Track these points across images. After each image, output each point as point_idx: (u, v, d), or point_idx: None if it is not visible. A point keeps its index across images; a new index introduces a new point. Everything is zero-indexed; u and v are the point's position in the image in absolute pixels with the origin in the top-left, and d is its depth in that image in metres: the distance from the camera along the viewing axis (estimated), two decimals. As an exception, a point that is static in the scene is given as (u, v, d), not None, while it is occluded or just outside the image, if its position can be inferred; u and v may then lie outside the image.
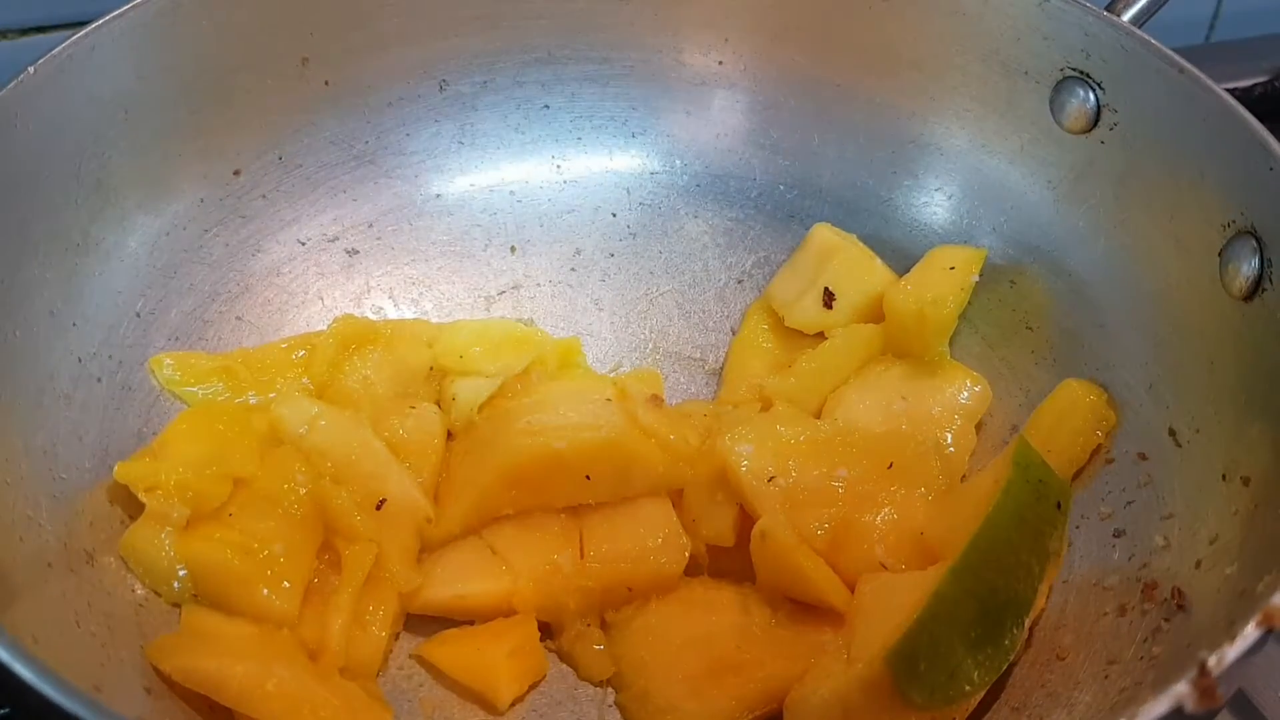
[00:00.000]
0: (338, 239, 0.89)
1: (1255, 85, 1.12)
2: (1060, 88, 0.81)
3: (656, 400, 0.81)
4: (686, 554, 0.75)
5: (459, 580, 0.75)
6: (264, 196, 0.86)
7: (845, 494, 0.73)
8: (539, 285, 0.92)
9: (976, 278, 0.84)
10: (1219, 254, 0.72)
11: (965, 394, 0.82)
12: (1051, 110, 0.82)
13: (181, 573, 0.70)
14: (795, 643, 0.72)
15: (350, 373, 0.81)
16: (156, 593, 0.70)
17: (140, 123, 0.78)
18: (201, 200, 0.83)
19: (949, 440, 0.81)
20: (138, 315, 0.79)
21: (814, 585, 0.72)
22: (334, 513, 0.73)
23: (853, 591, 0.72)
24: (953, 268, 0.84)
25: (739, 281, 0.92)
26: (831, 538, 0.72)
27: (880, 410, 0.81)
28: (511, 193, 0.93)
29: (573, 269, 0.92)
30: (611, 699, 0.74)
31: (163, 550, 0.70)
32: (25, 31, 0.98)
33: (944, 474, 0.75)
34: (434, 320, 0.88)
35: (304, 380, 0.80)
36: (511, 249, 0.92)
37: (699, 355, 0.90)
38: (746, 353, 0.88)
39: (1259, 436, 0.67)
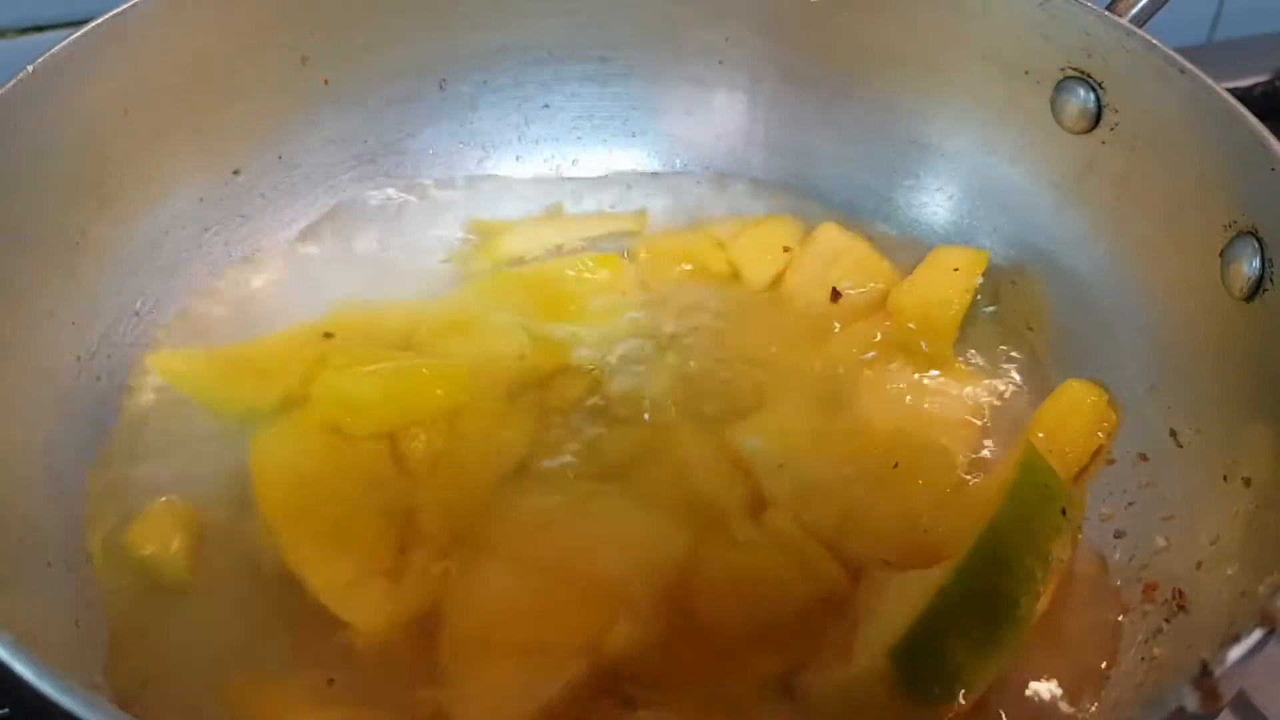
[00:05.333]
0: (338, 237, 0.88)
1: (1256, 85, 1.11)
2: (1061, 88, 0.81)
3: (656, 400, 0.81)
4: (687, 554, 0.75)
5: (459, 580, 0.75)
6: (263, 195, 0.86)
7: (850, 491, 0.73)
8: (539, 284, 0.91)
9: (981, 279, 0.84)
10: (1220, 254, 0.71)
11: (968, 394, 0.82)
12: (1052, 110, 0.82)
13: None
14: (796, 639, 0.72)
15: (351, 371, 0.81)
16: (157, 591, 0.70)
17: (140, 122, 0.78)
18: (201, 199, 0.83)
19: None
20: (137, 314, 0.79)
21: (816, 579, 0.72)
22: (334, 512, 0.73)
23: (856, 587, 0.72)
24: (957, 269, 0.84)
25: (739, 281, 0.92)
26: (836, 534, 0.72)
27: (885, 410, 0.81)
28: (512, 191, 0.93)
29: (573, 268, 0.92)
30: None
31: (163, 549, 0.70)
32: (25, 31, 0.97)
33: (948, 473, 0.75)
34: (434, 319, 0.88)
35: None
36: (512, 247, 0.92)
37: (699, 355, 0.90)
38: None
39: (1260, 437, 0.67)
